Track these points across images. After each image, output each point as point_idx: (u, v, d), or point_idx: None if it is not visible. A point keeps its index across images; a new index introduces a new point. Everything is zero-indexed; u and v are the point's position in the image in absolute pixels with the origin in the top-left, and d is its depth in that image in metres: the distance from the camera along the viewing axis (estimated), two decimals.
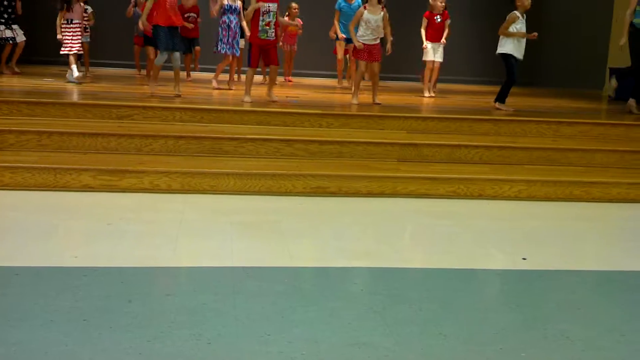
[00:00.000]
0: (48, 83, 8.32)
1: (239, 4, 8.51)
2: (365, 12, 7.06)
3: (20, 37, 9.23)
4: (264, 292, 3.19)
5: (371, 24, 7.06)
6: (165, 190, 5.08)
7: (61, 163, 5.08)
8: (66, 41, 8.33)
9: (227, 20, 8.40)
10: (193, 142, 5.63)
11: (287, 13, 9.68)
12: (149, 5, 7.02)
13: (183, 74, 8.98)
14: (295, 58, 10.81)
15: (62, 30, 8.31)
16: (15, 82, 8.27)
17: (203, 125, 6.00)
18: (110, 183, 5.02)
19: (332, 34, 9.29)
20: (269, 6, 6.81)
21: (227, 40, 8.46)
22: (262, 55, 7.00)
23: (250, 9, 6.83)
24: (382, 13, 7.10)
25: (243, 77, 10.67)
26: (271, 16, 6.83)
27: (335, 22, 8.79)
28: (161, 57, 7.13)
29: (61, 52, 8.43)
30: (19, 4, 9.25)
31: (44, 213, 4.46)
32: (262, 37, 6.86)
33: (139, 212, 4.56)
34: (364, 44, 7.11)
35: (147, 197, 4.95)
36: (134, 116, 6.01)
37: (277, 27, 7.10)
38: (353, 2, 8.51)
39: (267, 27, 6.83)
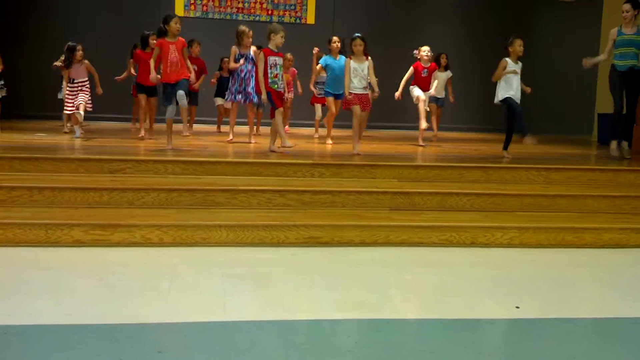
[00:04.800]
0: (40, 138, 8.35)
1: (251, 52, 8.60)
2: (352, 62, 7.29)
3: None
4: (257, 347, 3.15)
5: (358, 72, 7.30)
6: (157, 244, 5.06)
7: (53, 218, 5.07)
8: (67, 101, 8.48)
9: (238, 70, 8.51)
10: (185, 194, 5.64)
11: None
12: (152, 63, 7.24)
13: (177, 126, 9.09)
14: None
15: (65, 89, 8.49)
16: (6, 138, 8.29)
17: (195, 178, 6.02)
18: (102, 238, 5.00)
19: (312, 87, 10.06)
20: (275, 59, 7.25)
21: (235, 89, 8.57)
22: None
23: (260, 63, 7.23)
24: (367, 62, 7.32)
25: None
26: (278, 69, 7.28)
27: (314, 77, 9.51)
28: (171, 110, 7.27)
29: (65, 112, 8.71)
30: None
31: (35, 270, 4.42)
32: (274, 88, 7.26)
33: (130, 267, 4.53)
34: (355, 94, 7.28)
35: (139, 251, 4.93)
36: (126, 170, 6.02)
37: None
38: (338, 57, 8.67)
39: (276, 79, 7.27)
